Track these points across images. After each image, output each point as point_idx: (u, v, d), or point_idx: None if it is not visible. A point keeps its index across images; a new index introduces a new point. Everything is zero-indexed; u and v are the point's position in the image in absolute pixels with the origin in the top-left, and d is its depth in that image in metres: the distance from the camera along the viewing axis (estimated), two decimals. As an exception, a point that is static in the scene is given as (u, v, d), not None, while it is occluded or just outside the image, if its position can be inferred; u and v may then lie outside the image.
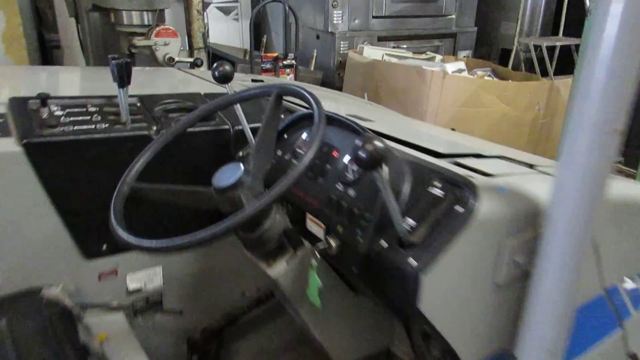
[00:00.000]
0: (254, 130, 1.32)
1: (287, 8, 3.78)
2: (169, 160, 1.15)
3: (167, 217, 1.28)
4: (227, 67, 1.25)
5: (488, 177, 1.00)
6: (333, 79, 4.25)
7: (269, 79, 2.29)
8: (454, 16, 4.51)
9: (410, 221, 0.92)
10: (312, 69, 4.28)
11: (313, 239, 1.12)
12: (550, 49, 4.18)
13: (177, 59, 2.71)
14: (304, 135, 1.24)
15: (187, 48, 3.11)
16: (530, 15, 4.46)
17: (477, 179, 0.96)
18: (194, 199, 1.04)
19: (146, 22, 2.97)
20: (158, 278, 1.36)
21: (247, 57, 3.98)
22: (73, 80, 1.85)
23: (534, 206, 0.95)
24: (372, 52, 4.01)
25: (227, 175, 0.97)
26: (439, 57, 4.14)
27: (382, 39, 4.35)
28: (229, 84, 1.28)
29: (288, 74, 3.88)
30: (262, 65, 3.77)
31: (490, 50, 4.94)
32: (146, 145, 1.13)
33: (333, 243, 1.03)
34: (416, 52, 4.27)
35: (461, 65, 3.55)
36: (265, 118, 1.08)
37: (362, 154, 0.79)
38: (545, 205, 0.91)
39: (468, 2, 4.51)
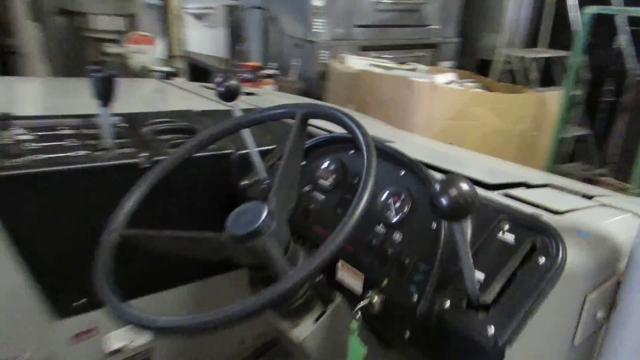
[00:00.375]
0: (262, 155, 1.13)
1: (267, 16, 3.59)
2: (157, 193, 0.93)
3: (161, 262, 1.06)
4: (234, 82, 1.06)
5: (556, 214, 0.84)
6: (314, 90, 4.07)
7: (262, 92, 2.08)
8: (436, 26, 4.42)
9: (478, 274, 0.75)
10: (292, 78, 4.09)
11: (345, 291, 0.92)
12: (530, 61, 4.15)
13: (153, 68, 2.47)
14: (326, 164, 1.05)
15: (164, 56, 2.86)
16: (511, 27, 4.41)
17: (545, 217, 0.80)
18: (203, 248, 0.83)
19: (118, 28, 2.72)
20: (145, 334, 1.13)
21: (225, 67, 3.76)
22: (38, 95, 1.59)
23: (616, 251, 0.80)
24: (356, 62, 3.85)
25: (247, 218, 0.77)
26: (423, 67, 4.03)
27: (364, 49, 4.21)
28: (236, 101, 1.08)
29: (269, 85, 3.68)
30: (241, 75, 3.56)
31: (468, 61, 4.88)
32: (134, 176, 0.92)
33: (376, 299, 0.85)
34: (400, 63, 4.15)
35: (451, 76, 3.44)
36: (289, 146, 0.88)
37: (443, 202, 0.60)
38: (626, 249, 0.76)
39: (451, 13, 4.43)
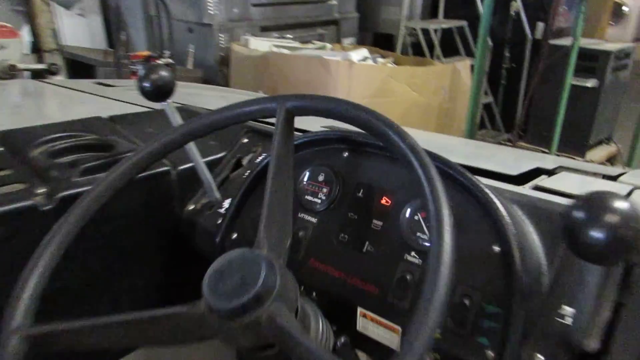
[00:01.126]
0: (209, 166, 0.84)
1: (152, -3, 3.14)
2: None
3: None
4: (165, 74, 0.74)
5: None
6: (215, 77, 3.70)
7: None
8: (335, 2, 4.24)
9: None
10: (190, 67, 3.67)
11: (371, 348, 0.68)
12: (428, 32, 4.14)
13: (23, 66, 1.97)
14: (309, 174, 0.78)
15: (31, 51, 2.33)
16: (410, -1, 4.36)
17: None
18: (169, 332, 0.53)
19: (-37, 19, 2.15)
20: None
21: (110, 59, 3.24)
22: None
23: None
24: (259, 44, 3.54)
25: (234, 279, 0.50)
26: (329, 45, 3.83)
27: (265, 29, 3.91)
28: (169, 100, 0.77)
29: (165, 76, 3.24)
30: (132, 67, 3.08)
31: (364, 36, 4.78)
32: (31, 226, 0.60)
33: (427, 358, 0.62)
34: (303, 42, 3.91)
35: (365, 52, 3.27)
36: (274, 158, 0.61)
37: (596, 237, 0.38)
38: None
39: (348, -13, 4.28)
